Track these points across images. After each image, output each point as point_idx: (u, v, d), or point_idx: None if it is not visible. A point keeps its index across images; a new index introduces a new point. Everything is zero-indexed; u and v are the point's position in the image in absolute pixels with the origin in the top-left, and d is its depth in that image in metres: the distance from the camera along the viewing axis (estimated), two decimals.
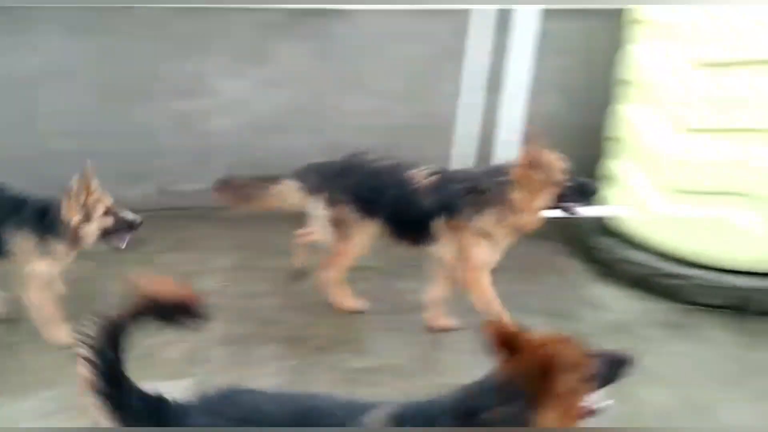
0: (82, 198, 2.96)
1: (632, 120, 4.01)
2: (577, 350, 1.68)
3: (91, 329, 1.65)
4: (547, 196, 2.97)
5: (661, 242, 3.85)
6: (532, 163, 2.92)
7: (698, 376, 3.09)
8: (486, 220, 3.02)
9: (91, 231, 3.01)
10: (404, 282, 3.77)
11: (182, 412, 1.71)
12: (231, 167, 4.02)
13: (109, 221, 3.03)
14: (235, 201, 3.46)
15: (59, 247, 3.01)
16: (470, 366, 1.80)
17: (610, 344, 1.87)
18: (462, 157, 4.53)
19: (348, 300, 3.52)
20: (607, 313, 3.61)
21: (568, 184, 2.98)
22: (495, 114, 4.41)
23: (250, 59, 4.60)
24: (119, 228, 3.06)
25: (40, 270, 3.04)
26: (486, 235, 3.05)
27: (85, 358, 1.65)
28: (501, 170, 3.04)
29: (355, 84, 4.72)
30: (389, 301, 3.62)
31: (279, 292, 3.67)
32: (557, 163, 2.97)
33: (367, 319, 3.48)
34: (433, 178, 3.12)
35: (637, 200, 3.98)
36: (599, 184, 3.14)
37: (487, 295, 3.15)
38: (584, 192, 3.05)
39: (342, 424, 1.70)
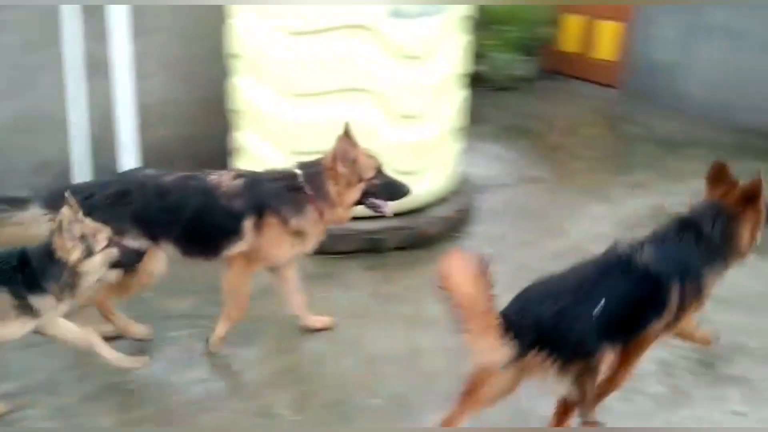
0: (77, 229, 2.44)
1: (245, 91, 4.16)
2: None
3: None
4: (356, 192, 3.00)
5: None
6: (341, 159, 2.93)
7: (346, 315, 3.45)
8: (304, 217, 2.96)
9: (95, 268, 2.50)
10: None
11: None
12: None
13: (113, 253, 2.56)
14: None
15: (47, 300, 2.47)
16: None
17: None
18: (80, 148, 4.27)
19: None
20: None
21: (377, 182, 3.04)
22: (108, 100, 4.23)
23: None
24: (128, 260, 2.67)
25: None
26: (300, 232, 2.99)
27: None
28: (312, 166, 3.00)
29: None
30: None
31: None
32: (367, 160, 3.01)
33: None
34: (239, 181, 2.96)
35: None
36: (408, 186, 3.20)
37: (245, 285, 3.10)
38: (393, 191, 3.12)
39: None
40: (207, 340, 3.14)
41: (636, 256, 2.38)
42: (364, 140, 3.84)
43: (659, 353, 3.03)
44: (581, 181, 5.31)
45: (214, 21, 4.35)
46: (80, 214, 2.48)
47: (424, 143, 4.07)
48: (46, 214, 2.77)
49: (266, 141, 4.11)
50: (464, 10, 4.10)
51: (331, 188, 2.96)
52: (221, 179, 2.96)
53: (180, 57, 4.79)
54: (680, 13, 6.69)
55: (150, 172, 3.07)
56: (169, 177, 2.96)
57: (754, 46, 6.23)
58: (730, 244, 2.47)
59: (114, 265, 2.62)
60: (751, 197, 2.46)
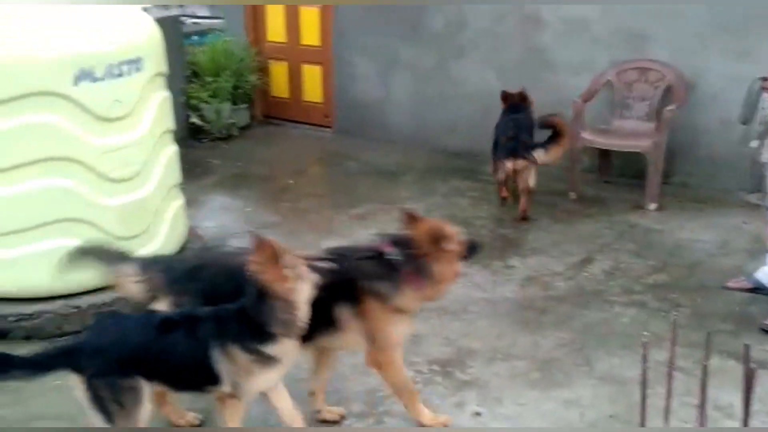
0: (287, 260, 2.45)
1: None
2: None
3: None
4: (458, 265, 2.85)
5: None
6: (434, 237, 2.75)
7: None
8: (406, 295, 2.73)
9: (306, 295, 2.50)
10: None
11: None
12: None
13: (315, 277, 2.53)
14: None
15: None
16: None
17: None
18: None
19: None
20: None
21: (462, 248, 2.84)
22: None
23: None
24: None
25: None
26: (403, 310, 2.76)
27: None
28: (403, 244, 2.81)
29: None
30: None
31: None
32: (453, 232, 2.81)
33: None
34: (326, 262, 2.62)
35: None
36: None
37: (403, 374, 2.96)
38: (474, 248, 2.97)
39: None
40: None
41: None
42: (74, 208, 3.64)
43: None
44: (312, 219, 5.47)
45: None
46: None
47: (140, 205, 3.92)
48: (138, 279, 2.78)
49: None
50: (158, 68, 4.04)
51: (435, 267, 2.78)
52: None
53: None
54: (375, 54, 7.25)
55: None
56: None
57: (434, 77, 6.95)
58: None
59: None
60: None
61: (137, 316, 2.81)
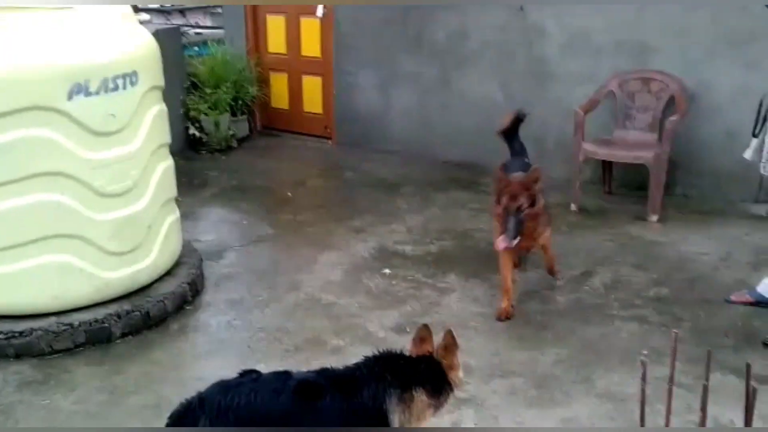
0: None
1: None
2: None
3: None
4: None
5: None
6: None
7: (73, 421, 3.12)
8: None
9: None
10: None
11: None
12: None
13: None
14: None
15: None
16: None
17: None
18: None
19: None
20: None
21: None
22: None
23: None
24: None
25: None
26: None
27: None
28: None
29: None
30: None
31: None
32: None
33: None
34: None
35: None
36: None
37: None
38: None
39: None
40: None
41: None
42: (66, 223, 3.59)
43: None
44: (310, 232, 5.42)
45: None
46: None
47: (133, 219, 3.87)
48: None
49: None
50: (154, 81, 4.01)
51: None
52: None
53: None
54: (376, 65, 7.22)
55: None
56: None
57: (436, 88, 6.91)
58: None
59: None
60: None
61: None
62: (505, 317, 4.03)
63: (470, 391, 3.34)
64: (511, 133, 4.76)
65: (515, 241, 3.81)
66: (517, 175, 4.06)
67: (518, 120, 4.77)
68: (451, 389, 2.62)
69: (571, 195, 5.67)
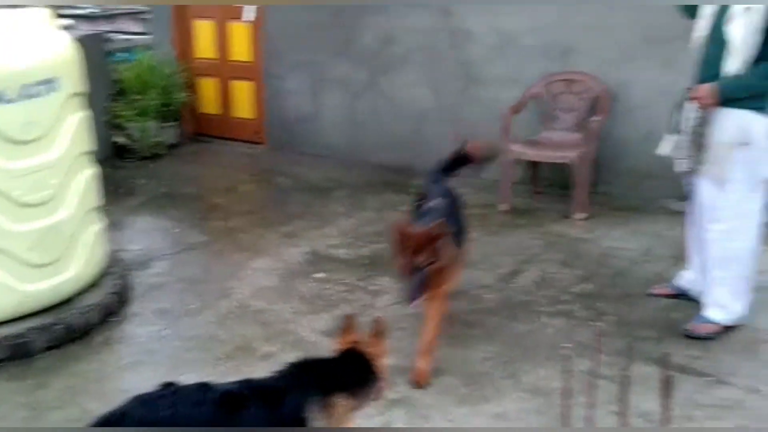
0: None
1: None
2: None
3: None
4: None
5: None
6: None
7: None
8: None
9: None
10: None
11: None
12: None
13: None
14: None
15: None
16: None
17: None
18: None
19: None
20: None
21: None
22: None
23: None
24: None
25: None
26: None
27: None
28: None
29: None
30: None
31: None
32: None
33: None
34: None
35: None
36: None
37: None
38: None
39: None
40: None
41: None
42: None
43: None
44: (241, 238, 5.37)
45: None
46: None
47: (54, 230, 3.77)
48: None
49: None
50: (75, 88, 3.91)
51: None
52: None
53: None
54: (306, 69, 7.21)
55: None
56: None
57: (366, 92, 6.95)
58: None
59: None
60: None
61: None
62: (424, 383, 3.44)
63: (401, 391, 3.37)
64: (456, 166, 4.20)
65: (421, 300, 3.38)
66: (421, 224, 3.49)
67: (469, 158, 4.20)
68: (378, 378, 2.62)
69: (501, 195, 5.77)
